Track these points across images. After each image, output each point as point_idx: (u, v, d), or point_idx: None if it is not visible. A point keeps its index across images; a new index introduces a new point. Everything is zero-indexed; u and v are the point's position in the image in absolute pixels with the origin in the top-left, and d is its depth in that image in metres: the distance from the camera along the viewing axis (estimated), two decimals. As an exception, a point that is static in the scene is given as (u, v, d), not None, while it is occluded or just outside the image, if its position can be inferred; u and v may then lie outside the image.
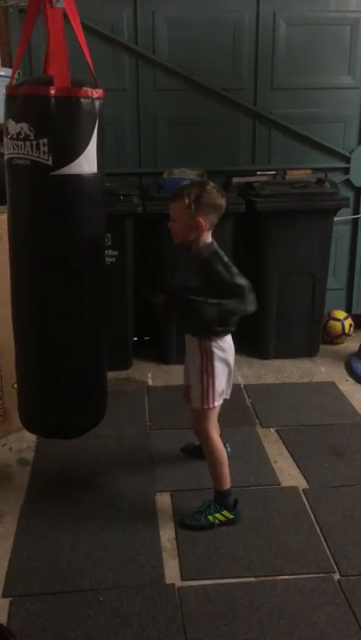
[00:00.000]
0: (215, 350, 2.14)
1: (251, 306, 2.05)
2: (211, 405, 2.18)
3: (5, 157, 2.00)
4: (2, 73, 3.14)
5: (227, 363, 2.19)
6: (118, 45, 3.52)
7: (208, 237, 2.11)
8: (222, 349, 2.15)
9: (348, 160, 3.86)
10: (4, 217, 2.57)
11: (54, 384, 2.16)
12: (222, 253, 2.10)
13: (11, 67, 3.35)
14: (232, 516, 2.23)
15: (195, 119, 3.68)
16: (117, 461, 2.63)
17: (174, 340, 3.44)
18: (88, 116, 1.93)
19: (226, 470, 2.23)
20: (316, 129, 3.77)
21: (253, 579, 2.01)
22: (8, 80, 3.10)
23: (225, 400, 2.26)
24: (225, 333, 2.16)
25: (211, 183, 2.13)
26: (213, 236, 2.14)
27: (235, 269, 2.07)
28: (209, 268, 2.06)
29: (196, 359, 2.17)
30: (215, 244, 2.13)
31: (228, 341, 2.19)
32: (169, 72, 3.59)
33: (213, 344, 2.13)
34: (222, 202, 2.09)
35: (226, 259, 2.09)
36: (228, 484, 2.24)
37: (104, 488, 2.46)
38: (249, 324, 3.69)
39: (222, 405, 2.30)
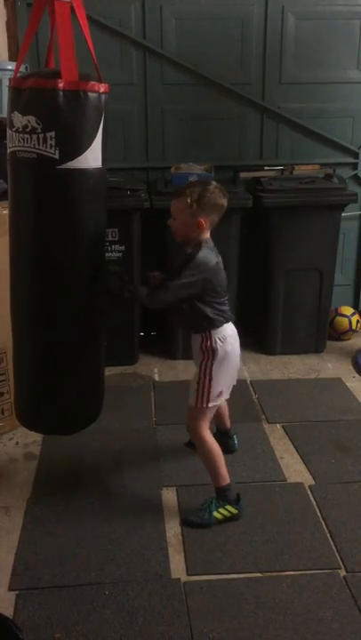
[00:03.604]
0: (218, 349, 2.12)
1: (152, 303, 2.08)
2: (205, 405, 2.17)
3: (9, 150, 1.98)
4: (9, 67, 3.13)
5: (230, 363, 2.17)
6: (126, 39, 3.51)
7: (206, 235, 2.10)
8: (224, 350, 2.13)
9: (356, 155, 3.84)
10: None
11: (51, 380, 2.15)
12: (204, 254, 2.05)
13: (19, 60, 3.35)
14: (236, 511, 2.22)
15: (202, 113, 3.67)
16: (123, 456, 2.64)
17: (181, 335, 3.43)
18: (94, 110, 1.92)
19: (222, 466, 2.21)
20: (325, 124, 3.75)
21: (259, 574, 2.01)
22: (16, 73, 3.11)
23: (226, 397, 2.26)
24: (221, 323, 2.14)
25: (213, 182, 2.11)
26: (213, 232, 2.12)
27: (189, 271, 2.01)
28: (184, 254, 2.07)
29: (198, 357, 2.17)
30: (210, 241, 2.10)
31: (229, 333, 2.16)
32: (177, 66, 3.58)
33: (215, 343, 2.12)
34: (224, 202, 2.08)
35: (202, 254, 2.04)
36: (226, 480, 2.23)
37: (110, 483, 2.47)
38: (256, 320, 3.72)
39: (228, 401, 2.30)
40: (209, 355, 2.14)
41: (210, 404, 2.18)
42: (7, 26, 3.43)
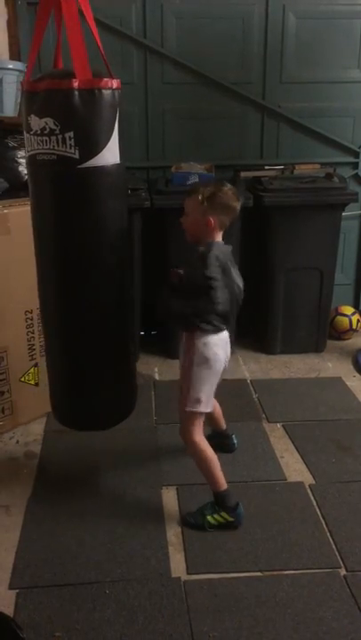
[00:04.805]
0: (200, 353, 2.07)
1: (219, 306, 1.99)
2: (187, 408, 2.13)
3: (28, 154, 1.97)
4: (10, 66, 3.14)
5: (213, 370, 2.11)
6: (126, 39, 3.51)
7: (216, 237, 2.08)
8: (207, 355, 2.08)
9: (356, 154, 3.84)
10: (14, 210, 2.59)
11: (82, 377, 2.17)
12: (217, 251, 2.01)
13: (19, 59, 3.35)
14: (231, 519, 2.18)
15: (203, 113, 3.67)
16: (124, 455, 2.64)
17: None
18: (110, 107, 1.92)
19: (217, 471, 2.17)
20: (325, 123, 3.75)
21: (259, 573, 2.01)
22: (18, 72, 3.12)
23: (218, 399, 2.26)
24: (213, 332, 2.08)
25: (228, 185, 2.09)
26: (224, 235, 2.11)
27: (215, 263, 1.97)
28: (194, 256, 2.03)
29: (184, 358, 2.15)
30: (220, 243, 2.08)
31: (217, 342, 2.10)
32: (177, 65, 3.58)
33: (200, 345, 2.07)
34: (236, 205, 2.06)
35: (215, 254, 1.99)
36: (223, 485, 2.19)
37: (110, 482, 2.47)
38: (256, 319, 3.72)
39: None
40: (193, 356, 2.10)
41: (191, 409, 2.16)
42: (8, 25, 3.43)
